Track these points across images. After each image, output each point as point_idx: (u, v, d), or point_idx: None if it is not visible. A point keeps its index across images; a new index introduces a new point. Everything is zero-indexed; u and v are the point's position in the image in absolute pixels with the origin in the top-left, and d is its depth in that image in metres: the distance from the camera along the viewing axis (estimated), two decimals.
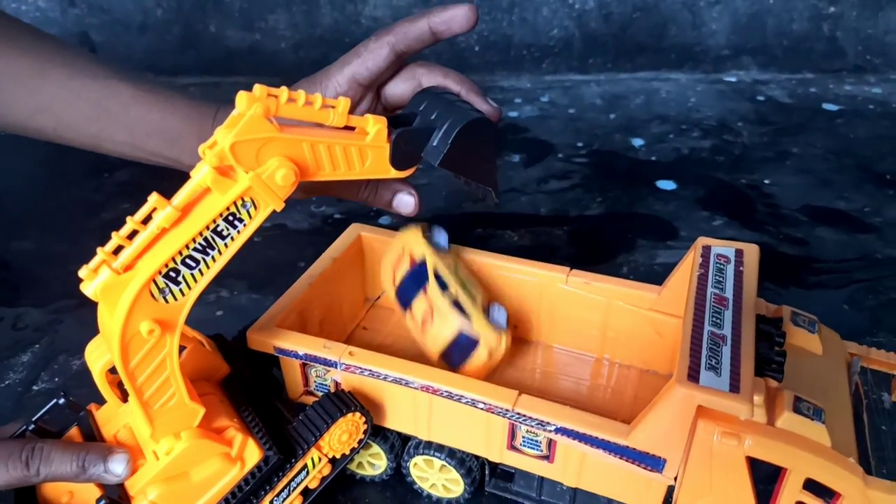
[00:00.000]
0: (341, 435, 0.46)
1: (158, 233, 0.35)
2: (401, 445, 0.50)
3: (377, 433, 0.49)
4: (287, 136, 0.37)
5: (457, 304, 0.49)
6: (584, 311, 0.54)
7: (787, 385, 0.39)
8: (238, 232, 0.37)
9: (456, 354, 0.49)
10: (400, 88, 0.49)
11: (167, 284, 0.36)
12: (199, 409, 0.40)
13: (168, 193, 0.36)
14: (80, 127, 0.52)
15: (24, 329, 0.69)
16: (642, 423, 0.39)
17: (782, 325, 0.44)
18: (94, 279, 0.35)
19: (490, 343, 0.48)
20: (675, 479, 0.39)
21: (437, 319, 0.50)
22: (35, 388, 0.61)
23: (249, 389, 0.47)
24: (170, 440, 0.40)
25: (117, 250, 0.35)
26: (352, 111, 0.39)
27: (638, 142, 1.06)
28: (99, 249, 0.35)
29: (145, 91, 0.52)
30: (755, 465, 0.37)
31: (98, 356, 0.39)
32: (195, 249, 0.36)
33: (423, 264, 0.51)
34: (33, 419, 0.42)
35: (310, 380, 0.50)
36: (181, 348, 0.43)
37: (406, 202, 0.51)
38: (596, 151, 1.04)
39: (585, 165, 0.99)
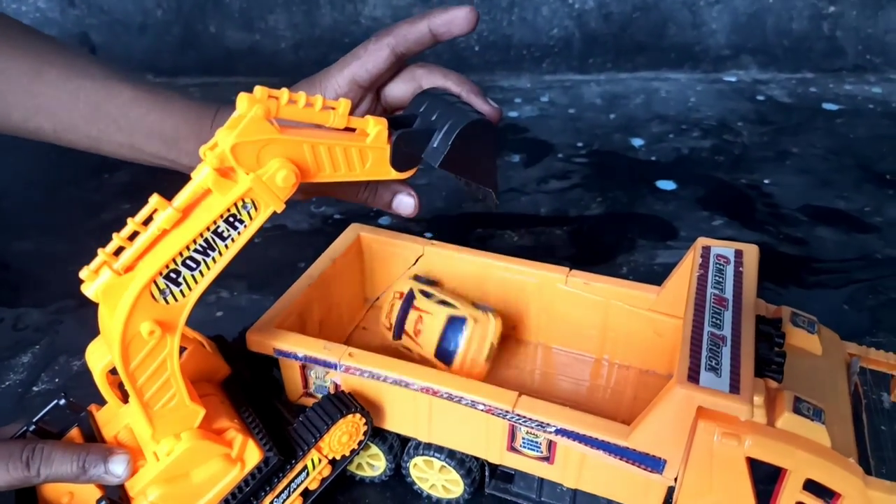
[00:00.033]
0: (341, 436, 0.46)
1: (159, 234, 0.35)
2: (399, 446, 0.50)
3: (375, 434, 0.49)
4: (288, 138, 0.37)
5: (443, 303, 0.51)
6: (583, 312, 0.54)
7: (787, 385, 0.39)
8: (238, 233, 0.37)
9: (449, 340, 0.50)
10: (400, 90, 0.49)
11: (168, 285, 0.36)
12: (199, 410, 0.40)
13: (168, 194, 0.36)
14: (79, 128, 0.52)
15: (25, 330, 0.69)
16: (642, 424, 0.39)
17: (782, 325, 0.44)
18: (95, 280, 0.35)
19: (477, 318, 0.49)
20: (676, 479, 0.40)
21: (426, 320, 0.50)
22: (35, 388, 0.61)
23: (250, 390, 0.47)
24: (170, 441, 0.40)
25: (118, 251, 0.36)
26: (352, 112, 0.39)
27: (638, 142, 1.06)
28: (100, 250, 0.35)
29: (144, 92, 0.51)
30: (755, 466, 0.37)
31: (99, 357, 0.39)
32: (196, 251, 0.36)
33: (410, 291, 0.53)
34: (34, 420, 0.42)
35: (309, 382, 0.50)
36: (182, 349, 0.43)
37: (406, 203, 0.51)
38: (596, 151, 1.03)
39: (585, 165, 0.99)
